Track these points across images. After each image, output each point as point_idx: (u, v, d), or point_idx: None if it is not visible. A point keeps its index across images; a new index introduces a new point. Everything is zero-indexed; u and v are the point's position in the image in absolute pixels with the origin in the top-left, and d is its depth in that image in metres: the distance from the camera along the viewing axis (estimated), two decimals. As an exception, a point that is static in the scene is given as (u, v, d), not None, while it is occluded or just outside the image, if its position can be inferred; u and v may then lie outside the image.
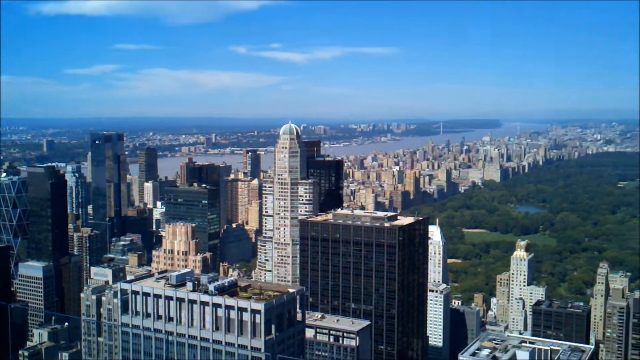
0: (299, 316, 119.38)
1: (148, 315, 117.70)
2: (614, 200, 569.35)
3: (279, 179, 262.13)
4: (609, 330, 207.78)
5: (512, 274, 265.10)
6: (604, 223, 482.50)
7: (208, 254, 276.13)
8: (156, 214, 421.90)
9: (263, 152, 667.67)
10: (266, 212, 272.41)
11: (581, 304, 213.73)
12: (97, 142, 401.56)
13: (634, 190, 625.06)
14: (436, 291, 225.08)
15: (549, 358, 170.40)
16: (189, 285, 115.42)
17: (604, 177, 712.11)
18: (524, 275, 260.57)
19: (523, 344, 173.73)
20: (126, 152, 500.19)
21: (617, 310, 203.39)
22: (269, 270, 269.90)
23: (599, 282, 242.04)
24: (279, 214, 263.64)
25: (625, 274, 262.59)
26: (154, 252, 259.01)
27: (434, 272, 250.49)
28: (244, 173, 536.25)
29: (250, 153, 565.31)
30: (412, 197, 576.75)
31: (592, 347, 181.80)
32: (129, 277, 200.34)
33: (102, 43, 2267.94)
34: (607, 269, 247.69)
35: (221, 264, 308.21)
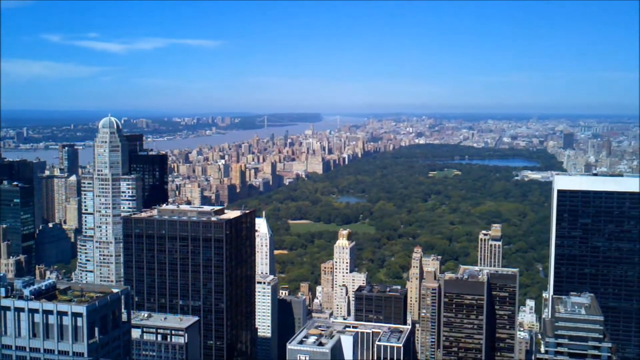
0: (124, 317, 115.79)
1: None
2: (425, 189, 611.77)
3: (99, 174, 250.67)
4: (424, 311, 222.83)
5: (336, 262, 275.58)
6: (417, 211, 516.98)
7: (22, 257, 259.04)
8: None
9: (81, 147, 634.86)
10: (86, 209, 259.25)
11: (398, 287, 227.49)
12: None
13: (443, 179, 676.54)
14: (264, 283, 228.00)
15: (370, 340, 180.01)
16: (1, 291, 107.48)
17: (416, 168, 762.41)
18: (347, 263, 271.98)
19: (347, 329, 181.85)
20: None
21: (430, 292, 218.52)
22: (91, 271, 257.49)
23: (413, 266, 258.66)
24: (100, 211, 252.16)
25: (437, 257, 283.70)
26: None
27: (262, 264, 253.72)
28: (60, 169, 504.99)
29: (66, 148, 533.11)
30: (238, 190, 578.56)
31: (409, 327, 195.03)
32: None
33: None
34: (421, 253, 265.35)
35: (37, 266, 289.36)
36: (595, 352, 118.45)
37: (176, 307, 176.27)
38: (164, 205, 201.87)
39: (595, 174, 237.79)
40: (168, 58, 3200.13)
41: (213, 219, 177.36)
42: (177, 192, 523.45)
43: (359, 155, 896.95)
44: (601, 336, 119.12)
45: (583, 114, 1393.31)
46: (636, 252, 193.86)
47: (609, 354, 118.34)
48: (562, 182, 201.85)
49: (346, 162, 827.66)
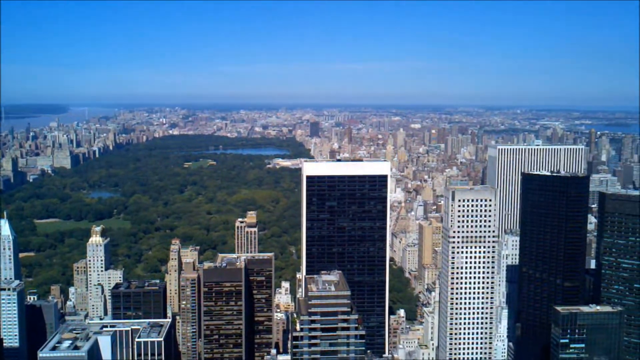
0: None
1: None
2: (181, 180, 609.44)
3: None
4: (184, 302, 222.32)
5: (89, 260, 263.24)
6: (174, 202, 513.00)
7: None
8: None
9: None
10: None
11: (157, 281, 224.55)
12: None
13: (198, 169, 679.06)
14: (8, 289, 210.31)
15: (130, 337, 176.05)
16: None
17: (170, 159, 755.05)
18: (101, 260, 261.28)
19: (104, 329, 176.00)
20: None
21: (190, 283, 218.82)
22: None
23: (172, 259, 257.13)
24: None
25: (195, 247, 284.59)
26: None
27: (5, 269, 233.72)
28: None
29: None
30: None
31: (169, 320, 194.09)
32: None
33: None
34: (179, 245, 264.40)
35: None
36: (344, 325, 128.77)
37: None
38: None
39: (339, 160, 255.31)
40: None
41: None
42: None
43: (111, 148, 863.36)
44: (349, 309, 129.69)
45: (327, 103, 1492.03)
46: (376, 229, 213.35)
47: (356, 325, 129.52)
48: (310, 169, 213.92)
49: (97, 156, 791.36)
